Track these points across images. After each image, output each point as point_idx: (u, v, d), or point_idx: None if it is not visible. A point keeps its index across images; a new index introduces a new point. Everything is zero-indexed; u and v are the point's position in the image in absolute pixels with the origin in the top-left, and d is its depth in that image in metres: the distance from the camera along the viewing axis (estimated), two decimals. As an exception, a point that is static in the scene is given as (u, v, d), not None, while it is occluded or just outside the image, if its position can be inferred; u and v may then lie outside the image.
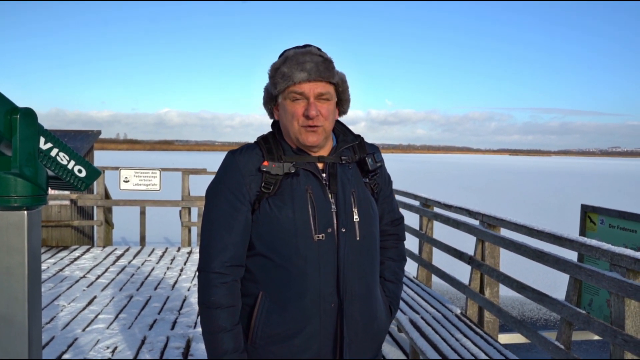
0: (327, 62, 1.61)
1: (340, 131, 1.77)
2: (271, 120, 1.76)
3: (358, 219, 1.65)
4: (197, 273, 1.67)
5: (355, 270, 1.62)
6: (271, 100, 1.69)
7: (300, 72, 1.56)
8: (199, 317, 1.62)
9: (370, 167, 1.72)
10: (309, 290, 1.57)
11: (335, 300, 1.60)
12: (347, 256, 1.60)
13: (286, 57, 1.60)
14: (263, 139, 1.70)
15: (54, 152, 1.47)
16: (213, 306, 1.56)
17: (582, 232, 5.52)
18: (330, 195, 1.63)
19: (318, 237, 1.58)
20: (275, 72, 1.61)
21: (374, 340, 1.72)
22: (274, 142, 1.67)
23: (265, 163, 1.60)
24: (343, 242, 1.60)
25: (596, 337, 5.88)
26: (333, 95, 1.64)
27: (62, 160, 1.49)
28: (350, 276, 1.61)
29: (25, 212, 1.39)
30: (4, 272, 1.39)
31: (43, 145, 1.44)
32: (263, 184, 1.59)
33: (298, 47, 1.64)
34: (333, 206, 1.62)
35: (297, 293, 1.57)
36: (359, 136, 1.78)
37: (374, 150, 1.80)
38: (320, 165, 1.66)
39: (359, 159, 1.73)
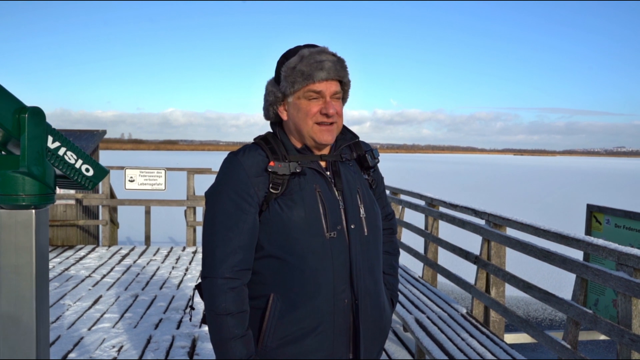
0: (342, 62, 1.64)
1: None
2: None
3: (364, 215, 1.67)
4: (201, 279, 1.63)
5: (365, 265, 1.64)
6: (278, 100, 1.67)
7: (320, 71, 1.57)
8: (207, 325, 1.59)
9: (371, 164, 1.76)
10: (322, 288, 1.57)
11: (349, 297, 1.61)
12: (357, 252, 1.62)
13: (302, 56, 1.60)
14: (263, 139, 1.68)
15: (62, 151, 1.47)
16: (223, 313, 1.52)
17: (588, 232, 5.50)
18: (337, 193, 1.64)
19: (330, 234, 1.59)
20: (292, 71, 1.60)
21: (382, 334, 1.74)
22: (275, 142, 1.67)
23: (272, 163, 1.58)
24: (353, 238, 1.62)
25: (602, 337, 5.85)
26: (341, 94, 1.67)
27: (69, 159, 1.49)
28: (362, 271, 1.63)
29: (33, 211, 1.39)
30: (12, 271, 1.39)
31: (51, 144, 1.44)
32: (271, 185, 1.58)
33: (309, 46, 1.65)
34: (341, 203, 1.64)
35: (311, 292, 1.56)
36: (355, 134, 1.80)
37: (369, 147, 1.83)
38: (322, 164, 1.68)
39: (357, 156, 1.76)
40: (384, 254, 1.90)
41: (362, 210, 1.67)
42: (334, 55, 1.63)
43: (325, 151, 1.70)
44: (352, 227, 1.63)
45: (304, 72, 1.57)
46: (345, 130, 1.78)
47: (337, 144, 1.72)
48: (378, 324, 1.70)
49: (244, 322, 1.55)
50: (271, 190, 1.58)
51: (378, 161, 1.80)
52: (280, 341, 1.57)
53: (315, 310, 1.57)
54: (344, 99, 1.72)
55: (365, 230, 1.66)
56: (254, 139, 1.70)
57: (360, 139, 1.81)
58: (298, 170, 1.60)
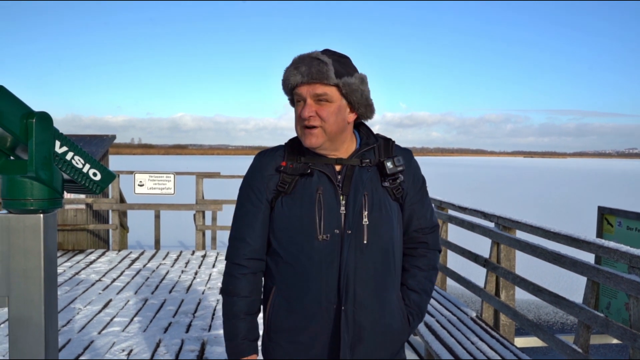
0: (322, 65, 1.57)
1: (364, 134, 1.76)
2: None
3: (367, 222, 1.61)
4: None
5: (359, 274, 1.60)
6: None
7: (295, 75, 1.60)
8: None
9: (389, 171, 1.65)
10: (311, 289, 1.61)
11: (336, 302, 1.60)
12: (350, 259, 1.59)
13: (292, 62, 1.64)
14: (291, 140, 1.76)
15: (69, 156, 1.48)
16: (231, 294, 1.69)
17: (599, 234, 5.45)
18: (341, 197, 1.63)
19: (323, 237, 1.60)
20: (283, 76, 1.67)
21: (384, 349, 1.68)
22: (298, 144, 1.71)
23: (283, 163, 1.67)
24: (347, 244, 1.59)
25: (615, 341, 5.80)
26: (334, 97, 1.59)
27: (77, 163, 1.49)
28: (353, 279, 1.59)
29: (42, 215, 1.40)
30: (20, 275, 1.40)
31: (59, 148, 1.45)
32: (279, 183, 1.66)
33: (322, 52, 1.67)
34: (342, 208, 1.62)
35: (301, 291, 1.63)
36: (387, 139, 1.74)
37: (401, 153, 1.73)
38: (338, 168, 1.67)
39: (378, 162, 1.68)
40: (414, 269, 1.77)
41: (365, 218, 1.61)
42: (317, 58, 1.58)
43: (344, 155, 1.68)
44: (349, 232, 1.59)
45: (285, 78, 1.64)
46: (370, 135, 1.75)
47: (360, 148, 1.70)
48: (375, 337, 1.64)
49: (251, 307, 1.70)
50: (279, 188, 1.66)
51: (401, 169, 1.67)
52: (279, 333, 1.67)
53: (306, 309, 1.62)
54: (350, 102, 1.63)
55: (365, 238, 1.61)
56: (288, 140, 1.79)
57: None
58: (307, 172, 1.64)
